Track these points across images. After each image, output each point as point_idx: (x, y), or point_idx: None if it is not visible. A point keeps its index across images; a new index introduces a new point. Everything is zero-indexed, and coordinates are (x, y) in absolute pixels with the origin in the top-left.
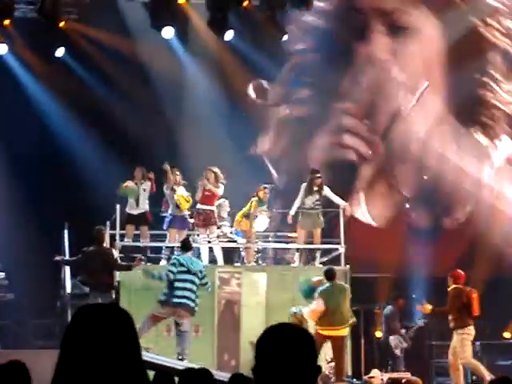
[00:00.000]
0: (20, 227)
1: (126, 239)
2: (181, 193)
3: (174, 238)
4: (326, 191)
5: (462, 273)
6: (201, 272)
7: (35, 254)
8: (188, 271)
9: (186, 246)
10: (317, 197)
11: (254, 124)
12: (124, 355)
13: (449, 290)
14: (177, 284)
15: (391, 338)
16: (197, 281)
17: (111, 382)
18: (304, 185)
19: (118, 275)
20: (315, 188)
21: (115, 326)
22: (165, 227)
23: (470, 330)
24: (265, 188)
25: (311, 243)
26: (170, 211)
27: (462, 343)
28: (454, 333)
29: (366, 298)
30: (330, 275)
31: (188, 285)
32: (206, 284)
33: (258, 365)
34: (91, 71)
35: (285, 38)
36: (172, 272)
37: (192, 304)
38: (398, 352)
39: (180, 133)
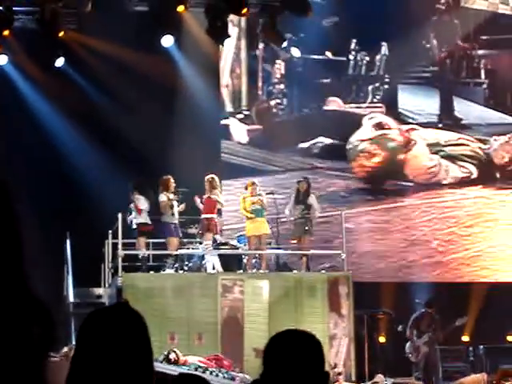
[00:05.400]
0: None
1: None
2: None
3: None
4: (311, 199)
5: None
6: None
7: (37, 265)
8: None
9: None
10: (302, 206)
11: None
12: (135, 357)
13: None
14: None
15: (407, 344)
16: None
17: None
18: (292, 195)
19: (121, 281)
20: (300, 197)
21: (127, 328)
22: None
23: None
24: (253, 184)
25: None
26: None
27: None
28: None
29: (369, 303)
30: None
31: None
32: None
33: (266, 371)
34: (91, 81)
35: (284, 44)
36: None
37: None
38: (412, 358)
39: (180, 141)
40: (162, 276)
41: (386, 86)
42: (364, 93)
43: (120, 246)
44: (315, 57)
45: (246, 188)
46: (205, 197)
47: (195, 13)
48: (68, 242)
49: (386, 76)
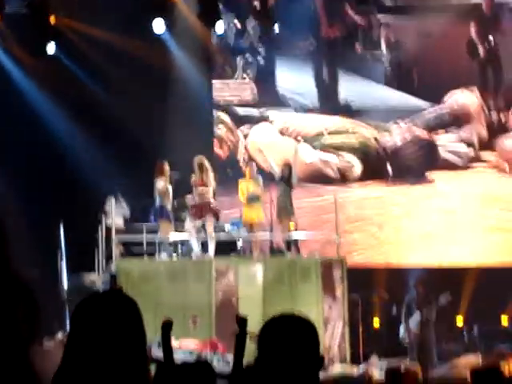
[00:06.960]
0: (15, 226)
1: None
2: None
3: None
4: (294, 180)
5: None
6: None
7: (31, 252)
8: None
9: None
10: (284, 185)
11: None
12: (128, 344)
13: None
14: None
15: (400, 327)
16: None
17: (115, 371)
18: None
19: (114, 268)
20: (284, 178)
21: (120, 314)
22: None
23: None
24: (250, 166)
25: None
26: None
27: None
28: None
29: (363, 287)
30: None
31: None
32: None
33: (261, 356)
34: (83, 66)
35: (276, 27)
36: None
37: None
38: (406, 341)
39: (173, 127)
40: (156, 261)
41: (260, 60)
42: (232, 67)
43: (114, 232)
44: None
45: (245, 171)
46: (196, 180)
47: None
48: (61, 227)
49: (261, 46)
